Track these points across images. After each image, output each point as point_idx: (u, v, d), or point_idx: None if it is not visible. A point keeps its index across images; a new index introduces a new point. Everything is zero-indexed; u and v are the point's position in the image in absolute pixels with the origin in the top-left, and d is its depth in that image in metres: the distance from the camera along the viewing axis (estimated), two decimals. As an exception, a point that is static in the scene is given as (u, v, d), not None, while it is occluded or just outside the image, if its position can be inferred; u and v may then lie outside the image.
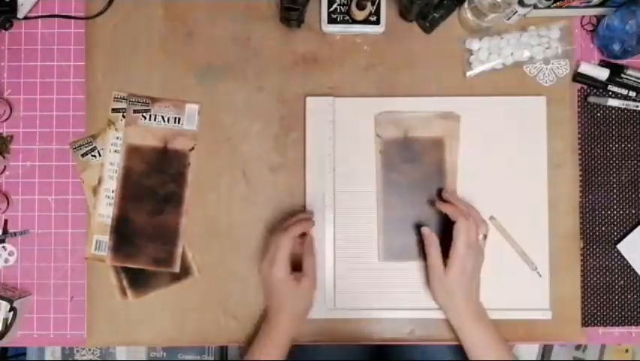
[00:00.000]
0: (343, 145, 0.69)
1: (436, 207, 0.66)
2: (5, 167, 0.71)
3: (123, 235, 0.70)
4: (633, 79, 0.69)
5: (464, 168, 0.69)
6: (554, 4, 0.67)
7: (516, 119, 0.69)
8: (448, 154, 0.69)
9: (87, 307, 0.70)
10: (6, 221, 0.71)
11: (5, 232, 0.70)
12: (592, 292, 0.69)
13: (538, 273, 0.67)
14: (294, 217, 0.65)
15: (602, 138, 0.70)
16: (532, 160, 0.69)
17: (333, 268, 0.68)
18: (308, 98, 0.69)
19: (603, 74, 0.69)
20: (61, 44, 0.72)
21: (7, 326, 0.66)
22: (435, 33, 0.71)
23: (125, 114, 0.70)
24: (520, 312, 0.68)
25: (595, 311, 0.69)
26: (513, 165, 0.69)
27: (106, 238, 0.70)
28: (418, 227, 0.67)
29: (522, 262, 0.68)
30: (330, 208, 0.68)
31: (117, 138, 0.70)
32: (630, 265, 0.69)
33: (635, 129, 0.70)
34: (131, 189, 0.70)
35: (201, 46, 0.71)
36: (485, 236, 0.65)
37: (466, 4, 0.67)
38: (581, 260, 0.69)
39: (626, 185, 0.70)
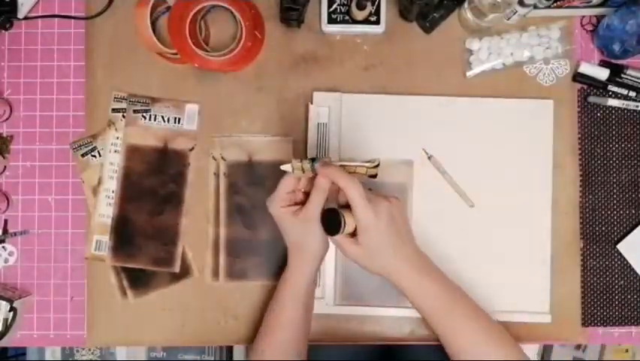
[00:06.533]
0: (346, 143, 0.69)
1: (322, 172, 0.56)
2: (5, 167, 0.71)
3: (123, 235, 0.70)
4: (633, 79, 0.69)
5: (465, 168, 0.69)
6: (554, 4, 0.67)
7: (522, 122, 0.69)
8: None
9: (87, 307, 0.70)
10: (6, 221, 0.71)
11: (5, 232, 0.70)
12: (592, 292, 0.69)
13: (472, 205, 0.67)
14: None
15: (602, 138, 0.70)
16: (536, 163, 0.68)
17: (334, 264, 0.68)
18: (315, 93, 0.68)
19: (603, 74, 0.69)
20: (61, 44, 0.71)
21: (7, 326, 0.66)
22: (435, 33, 0.71)
23: (125, 114, 0.70)
24: (520, 315, 0.68)
25: (595, 311, 0.69)
26: (516, 167, 0.68)
27: (106, 238, 0.70)
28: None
29: (523, 265, 0.68)
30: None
31: (117, 138, 0.70)
32: (630, 265, 0.69)
33: (635, 129, 0.70)
34: (131, 189, 0.70)
35: (201, 46, 0.71)
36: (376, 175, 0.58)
37: (466, 4, 0.67)
38: (581, 260, 0.69)
39: (626, 185, 0.70)
